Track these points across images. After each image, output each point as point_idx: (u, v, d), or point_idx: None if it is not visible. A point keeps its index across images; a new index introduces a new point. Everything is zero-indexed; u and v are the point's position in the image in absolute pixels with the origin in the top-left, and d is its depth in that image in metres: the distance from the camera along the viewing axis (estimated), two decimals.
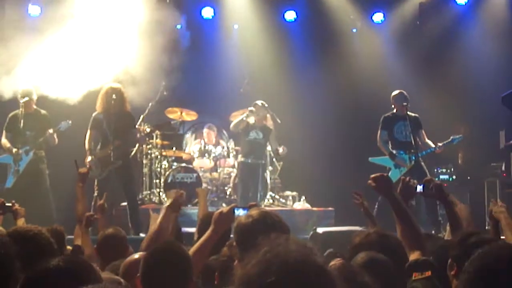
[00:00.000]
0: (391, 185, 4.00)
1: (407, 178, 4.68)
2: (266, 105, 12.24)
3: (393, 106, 11.20)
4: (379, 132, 11.22)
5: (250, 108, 12.21)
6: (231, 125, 12.51)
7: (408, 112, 11.01)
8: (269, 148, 12.67)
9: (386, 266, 3.27)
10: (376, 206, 10.17)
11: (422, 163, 10.93)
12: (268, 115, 12.39)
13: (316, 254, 1.89)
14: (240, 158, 12.43)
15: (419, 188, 4.87)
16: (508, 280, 2.33)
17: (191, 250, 4.07)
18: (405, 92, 11.16)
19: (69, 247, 5.64)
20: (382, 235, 3.70)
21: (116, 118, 10.46)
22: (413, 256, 3.73)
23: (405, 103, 11.01)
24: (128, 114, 10.73)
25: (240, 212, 4.18)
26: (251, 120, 12.29)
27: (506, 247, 2.55)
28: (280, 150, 12.46)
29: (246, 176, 12.24)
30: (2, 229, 4.23)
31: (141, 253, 4.38)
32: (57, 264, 2.74)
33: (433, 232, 9.50)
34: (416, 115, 11.20)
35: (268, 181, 12.67)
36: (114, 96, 10.45)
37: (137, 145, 12.04)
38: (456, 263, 3.48)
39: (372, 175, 4.03)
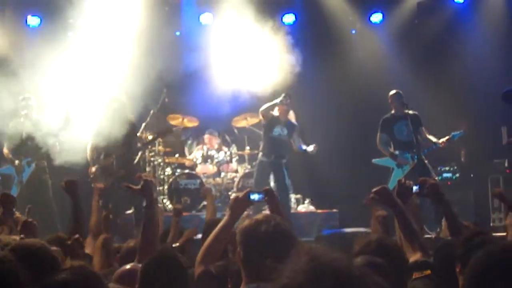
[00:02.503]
0: (392, 195, 4.28)
1: (403, 180, 4.91)
2: (289, 100, 11.30)
3: (391, 106, 11.20)
4: (378, 134, 11.21)
5: (280, 99, 11.25)
6: (261, 108, 11.38)
7: (407, 111, 10.98)
8: None
9: (383, 269, 3.30)
10: None
11: (426, 161, 10.92)
12: (291, 111, 11.61)
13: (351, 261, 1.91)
14: (260, 156, 11.61)
15: (415, 188, 4.91)
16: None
17: (208, 239, 4.03)
18: (401, 91, 11.15)
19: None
20: (382, 243, 3.75)
21: (118, 127, 10.46)
22: (414, 257, 3.84)
23: (403, 102, 10.97)
24: (129, 122, 10.72)
25: (255, 197, 4.17)
26: (275, 112, 11.42)
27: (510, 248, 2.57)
28: (310, 148, 11.42)
29: (261, 177, 11.35)
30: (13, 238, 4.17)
31: (132, 264, 4.40)
32: (65, 277, 2.74)
33: (438, 230, 9.53)
34: (416, 112, 11.15)
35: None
36: (115, 106, 10.45)
37: (139, 153, 12.01)
38: (460, 263, 3.52)
39: (373, 189, 4.27)
